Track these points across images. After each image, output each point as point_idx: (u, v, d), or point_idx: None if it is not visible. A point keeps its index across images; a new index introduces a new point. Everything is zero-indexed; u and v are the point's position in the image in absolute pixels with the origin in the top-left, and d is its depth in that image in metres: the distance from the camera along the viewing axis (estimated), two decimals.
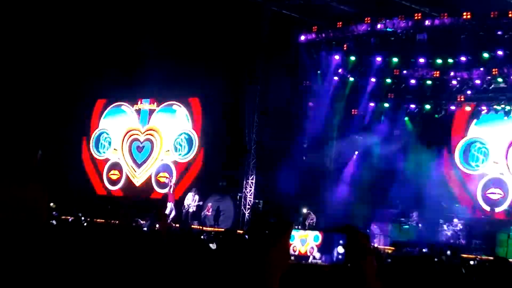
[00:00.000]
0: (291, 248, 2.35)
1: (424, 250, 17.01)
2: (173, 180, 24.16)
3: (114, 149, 27.49)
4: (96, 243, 4.26)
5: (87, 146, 28.13)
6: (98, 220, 15.82)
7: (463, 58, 20.79)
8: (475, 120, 23.11)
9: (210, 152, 24.81)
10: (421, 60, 21.54)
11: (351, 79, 23.64)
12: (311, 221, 21.81)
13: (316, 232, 2.38)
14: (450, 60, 21.12)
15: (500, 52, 20.15)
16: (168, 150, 26.22)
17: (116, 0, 23.63)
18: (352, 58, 22.83)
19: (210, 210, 23.42)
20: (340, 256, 2.28)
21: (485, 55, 20.56)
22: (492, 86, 21.54)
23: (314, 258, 2.35)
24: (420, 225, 21.40)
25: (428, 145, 23.03)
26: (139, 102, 27.32)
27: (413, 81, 22.55)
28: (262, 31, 22.80)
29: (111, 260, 4.00)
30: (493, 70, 20.82)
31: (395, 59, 22.17)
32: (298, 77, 23.54)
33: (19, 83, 23.32)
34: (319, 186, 23.60)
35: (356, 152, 24.63)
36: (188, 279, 4.23)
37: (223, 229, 16.26)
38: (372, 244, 17.69)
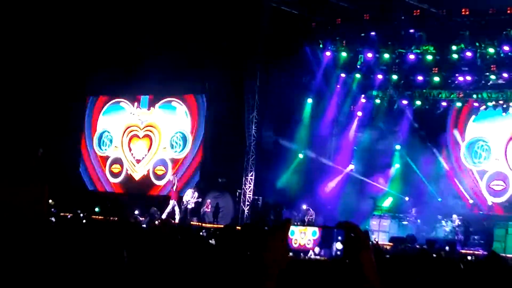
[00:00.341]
0: (292, 242, 2.37)
1: (422, 246, 17.05)
2: (176, 177, 24.14)
3: (115, 146, 27.57)
4: (95, 240, 4.28)
5: (85, 142, 28.12)
6: (96, 217, 15.84)
7: (461, 54, 20.80)
8: (473, 117, 23.17)
9: (210, 149, 24.81)
10: (419, 57, 21.55)
11: (350, 75, 23.63)
12: (310, 217, 21.84)
13: (315, 228, 2.41)
14: (449, 56, 21.13)
15: (498, 49, 20.17)
16: (165, 148, 26.30)
17: None
18: (351, 54, 22.84)
19: (209, 207, 23.45)
20: (338, 252, 2.31)
21: (483, 51, 20.58)
22: (490, 82, 21.57)
23: (314, 253, 2.38)
24: (419, 221, 21.46)
25: (427, 141, 23.06)
26: (138, 99, 27.32)
27: (412, 77, 22.56)
28: (262, 27, 22.77)
29: (110, 256, 4.02)
30: (492, 66, 20.86)
31: (386, 55, 22.11)
32: (298, 73, 23.53)
33: (17, 80, 23.29)
34: (318, 182, 23.63)
35: (355, 148, 24.68)
36: (188, 274, 4.25)
37: (222, 226, 16.28)
38: (372, 240, 17.73)
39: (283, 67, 22.60)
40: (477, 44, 20.52)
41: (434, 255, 10.39)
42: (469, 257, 14.07)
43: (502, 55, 20.29)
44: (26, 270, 3.30)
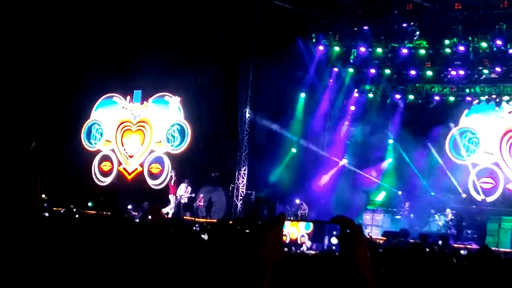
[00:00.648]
0: (284, 236, 2.36)
1: (415, 240, 17.10)
2: (173, 172, 24.08)
3: (106, 140, 27.33)
4: (88, 234, 4.26)
5: (77, 137, 27.92)
6: (89, 212, 15.81)
7: (454, 49, 20.82)
8: (466, 111, 23.21)
9: (202, 143, 24.77)
10: (412, 51, 21.57)
11: (343, 69, 23.63)
12: (303, 211, 21.85)
13: (308, 222, 2.40)
14: (442, 51, 21.14)
15: (491, 43, 20.21)
16: (160, 141, 26.11)
17: None
18: (344, 48, 22.85)
19: (202, 201, 23.43)
20: (333, 247, 2.30)
21: (476, 45, 20.61)
22: (483, 76, 21.60)
23: (306, 247, 2.37)
24: (412, 215, 21.51)
25: (420, 135, 23.09)
26: (131, 93, 27.19)
27: (405, 72, 22.57)
28: (255, 21, 22.73)
29: (103, 251, 4.00)
30: (485, 60, 20.90)
31: (379, 50, 22.12)
32: (291, 68, 23.51)
33: (9, 75, 23.17)
34: (312, 176, 23.65)
35: (348, 142, 24.71)
36: (182, 269, 4.24)
37: (215, 220, 16.28)
38: (366, 234, 17.77)
39: (276, 61, 22.56)
40: (470, 38, 20.56)
41: (427, 249, 10.43)
42: (462, 251, 14.14)
43: (495, 49, 20.32)
44: (19, 264, 3.28)
